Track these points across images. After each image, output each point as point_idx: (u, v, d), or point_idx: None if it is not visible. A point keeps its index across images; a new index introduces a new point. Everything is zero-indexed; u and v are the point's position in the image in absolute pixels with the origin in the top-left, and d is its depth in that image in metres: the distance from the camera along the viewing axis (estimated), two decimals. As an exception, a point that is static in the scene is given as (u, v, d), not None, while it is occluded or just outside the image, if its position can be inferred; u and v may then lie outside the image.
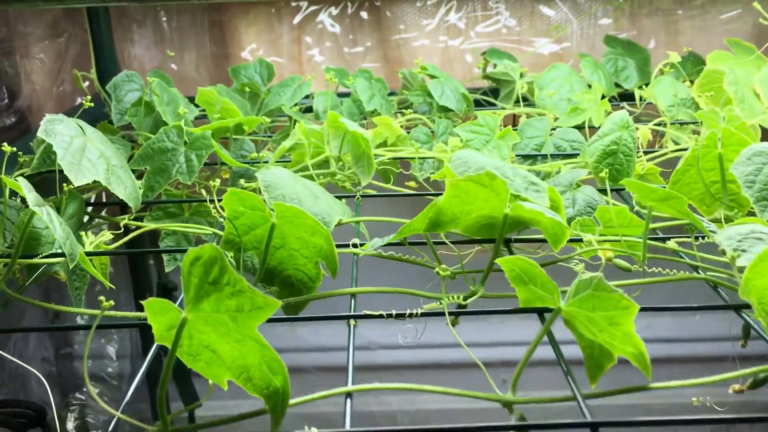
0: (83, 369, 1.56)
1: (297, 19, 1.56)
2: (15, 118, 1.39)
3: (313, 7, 1.55)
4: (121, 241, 0.80)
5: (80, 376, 1.58)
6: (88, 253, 0.76)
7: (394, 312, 0.61)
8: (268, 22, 1.56)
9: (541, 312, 0.62)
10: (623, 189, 0.90)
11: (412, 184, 1.06)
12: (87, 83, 1.42)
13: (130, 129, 1.33)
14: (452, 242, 0.75)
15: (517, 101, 1.32)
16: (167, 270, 0.90)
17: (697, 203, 0.83)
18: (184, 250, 0.87)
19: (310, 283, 0.71)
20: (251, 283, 0.48)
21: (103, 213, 1.13)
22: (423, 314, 0.61)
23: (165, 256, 0.90)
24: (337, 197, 0.91)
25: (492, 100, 1.36)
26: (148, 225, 0.86)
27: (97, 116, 1.33)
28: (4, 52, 1.37)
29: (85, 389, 1.50)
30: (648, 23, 1.58)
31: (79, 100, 1.54)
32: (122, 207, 1.32)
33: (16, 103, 1.41)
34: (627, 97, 1.39)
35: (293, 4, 1.54)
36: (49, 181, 1.09)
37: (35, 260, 0.73)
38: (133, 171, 0.93)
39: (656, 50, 1.55)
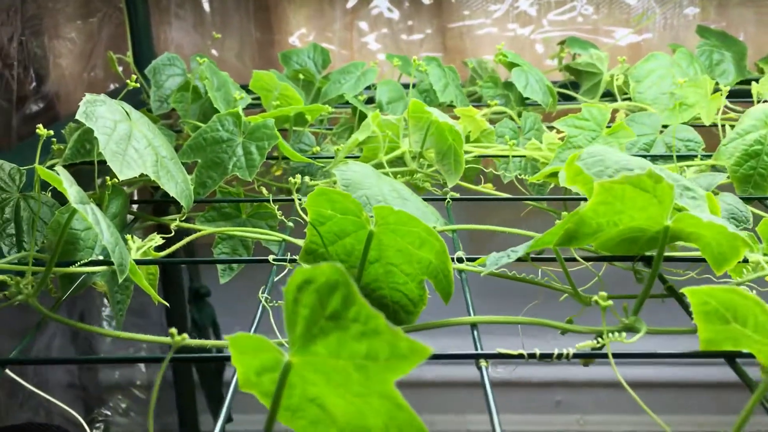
0: (110, 380, 1.44)
1: (351, 2, 1.42)
2: (42, 104, 1.27)
3: (369, -10, 1.41)
4: (173, 247, 0.67)
5: (105, 387, 1.45)
6: (137, 262, 0.63)
7: (537, 352, 0.47)
8: (319, 6, 1.43)
9: (732, 357, 0.47)
10: (771, 198, 0.75)
11: (489, 186, 0.92)
12: (121, 68, 1.30)
13: (170, 119, 1.20)
14: (582, 258, 0.61)
15: (604, 95, 1.17)
16: (222, 281, 0.77)
17: None
18: (246, 261, 0.73)
19: (410, 307, 0.57)
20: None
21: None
22: (576, 356, 0.47)
23: (219, 267, 0.77)
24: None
25: (572, 93, 1.22)
26: (206, 229, 0.72)
27: (132, 104, 1.20)
28: (32, 32, 1.24)
29: (111, 404, 1.37)
30: (737, 14, 1.43)
31: (111, 86, 1.41)
32: (157, 206, 1.18)
33: (44, 88, 1.29)
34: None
35: (347, -14, 1.41)
36: (82, 174, 0.96)
37: (73, 269, 0.60)
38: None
39: (745, 43, 1.40)
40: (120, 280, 0.53)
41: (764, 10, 1.43)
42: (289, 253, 0.63)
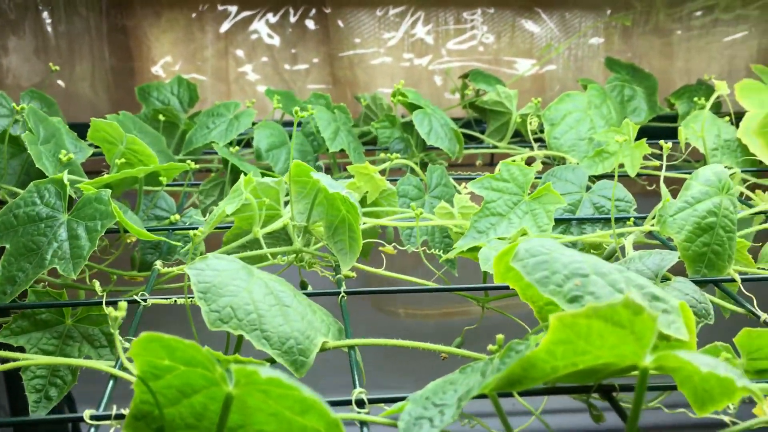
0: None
1: (225, 26, 1.23)
2: None
3: (245, 13, 1.22)
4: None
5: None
6: None
7: None
8: (188, 30, 1.23)
9: None
10: (730, 280, 0.63)
11: (389, 249, 0.76)
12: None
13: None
14: (527, 393, 0.46)
15: (514, 136, 1.05)
16: (34, 414, 0.56)
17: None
18: (52, 420, 0.50)
19: (291, 491, 0.40)
20: None
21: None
22: None
23: (32, 398, 0.56)
24: (306, 294, 0.60)
25: (479, 134, 1.08)
26: (19, 359, 0.51)
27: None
28: None
29: None
30: (642, 44, 1.36)
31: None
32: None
33: None
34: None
35: (220, 8, 1.22)
36: None
37: None
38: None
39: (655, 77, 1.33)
40: None
41: (668, 41, 1.36)
42: (114, 408, 0.44)
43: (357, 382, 0.48)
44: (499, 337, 0.45)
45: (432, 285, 0.66)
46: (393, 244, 0.74)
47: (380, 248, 0.77)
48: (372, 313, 1.34)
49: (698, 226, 0.62)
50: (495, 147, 1.05)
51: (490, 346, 0.46)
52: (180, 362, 0.38)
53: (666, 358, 0.38)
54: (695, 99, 1.03)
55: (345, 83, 1.28)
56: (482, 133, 1.09)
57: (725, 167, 0.93)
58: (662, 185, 0.67)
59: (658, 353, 0.38)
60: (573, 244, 0.75)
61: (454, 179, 0.88)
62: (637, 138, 0.93)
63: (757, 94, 1.06)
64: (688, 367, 0.39)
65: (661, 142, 0.70)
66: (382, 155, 0.99)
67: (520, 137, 1.09)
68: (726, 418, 0.45)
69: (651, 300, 0.45)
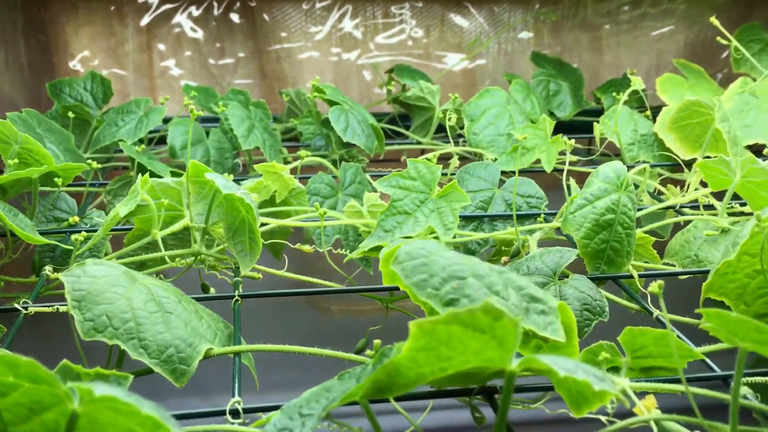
0: None
1: (145, 20, 1.20)
2: None
3: (167, 6, 1.19)
4: None
5: None
6: None
7: None
8: (107, 23, 1.19)
9: None
10: (628, 276, 0.63)
11: (306, 247, 0.75)
12: None
13: None
14: (401, 399, 0.45)
15: (438, 130, 1.04)
16: None
17: (733, 300, 0.58)
18: None
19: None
20: None
21: None
22: None
23: None
24: (197, 299, 0.58)
25: (403, 130, 1.07)
26: None
27: None
28: None
29: None
30: (571, 39, 1.36)
31: None
32: None
33: None
34: (560, 128, 1.14)
35: (140, 0, 1.18)
36: None
37: None
38: None
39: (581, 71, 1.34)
40: None
41: (597, 35, 1.37)
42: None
43: (236, 391, 0.47)
44: (377, 342, 0.45)
45: (336, 286, 0.65)
46: (298, 243, 0.73)
47: (297, 246, 0.76)
48: (305, 311, 1.32)
49: (597, 223, 0.62)
50: (418, 143, 1.04)
51: (368, 351, 0.45)
52: (25, 379, 0.36)
53: (531, 362, 0.38)
54: (614, 94, 1.04)
55: (273, 78, 1.26)
56: (408, 128, 1.08)
57: (641, 161, 0.94)
58: (565, 182, 0.67)
59: (524, 357, 0.38)
60: (485, 241, 0.75)
61: (372, 176, 0.87)
62: (562, 132, 0.94)
63: (677, 88, 1.07)
64: (554, 374, 0.39)
65: (565, 138, 0.70)
66: (302, 152, 0.97)
67: (445, 133, 1.09)
68: (603, 418, 0.45)
69: (529, 301, 0.45)
